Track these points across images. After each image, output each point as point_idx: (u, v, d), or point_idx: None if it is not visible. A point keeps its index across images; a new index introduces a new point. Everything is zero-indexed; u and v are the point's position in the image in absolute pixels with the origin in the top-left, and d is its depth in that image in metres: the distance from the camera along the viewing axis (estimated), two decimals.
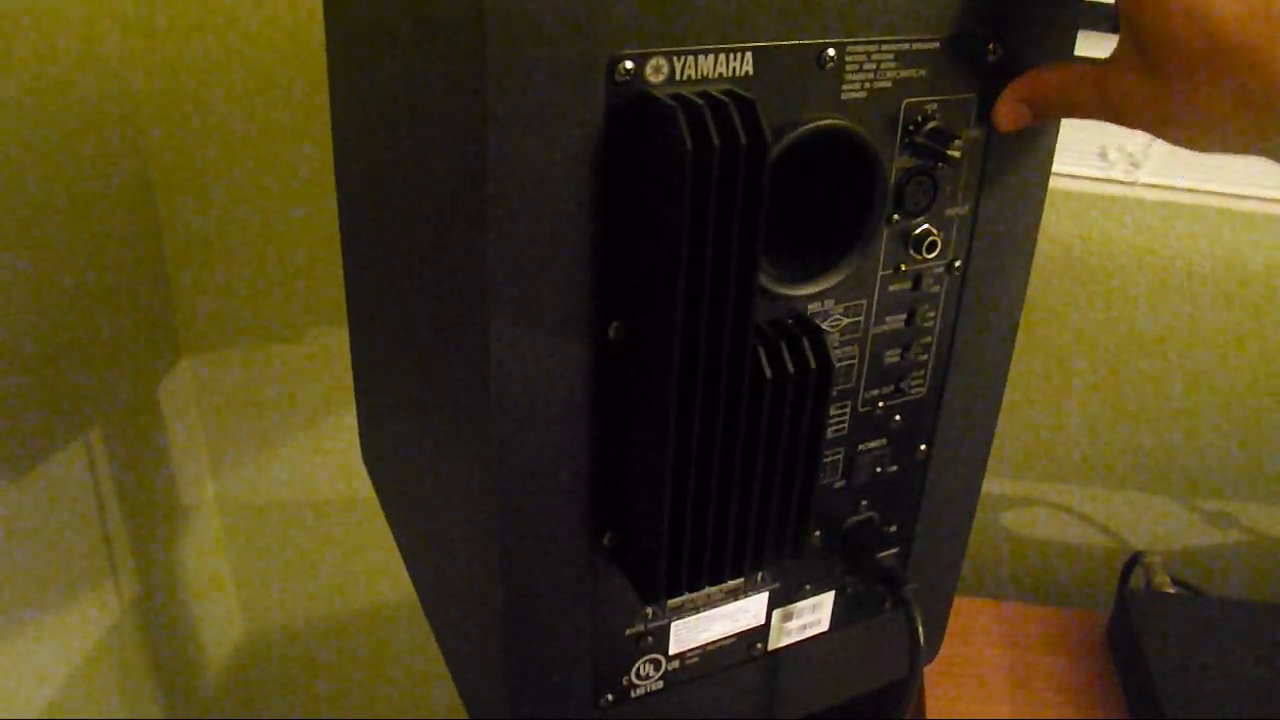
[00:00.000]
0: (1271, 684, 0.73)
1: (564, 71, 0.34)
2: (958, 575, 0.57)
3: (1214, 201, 0.81)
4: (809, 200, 0.43)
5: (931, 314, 0.47)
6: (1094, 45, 0.45)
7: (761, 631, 0.51)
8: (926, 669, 0.79)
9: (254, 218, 0.90)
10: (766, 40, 0.37)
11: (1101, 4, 0.63)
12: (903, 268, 0.45)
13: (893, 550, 0.53)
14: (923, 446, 0.50)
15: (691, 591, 0.43)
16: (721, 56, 0.36)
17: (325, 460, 1.03)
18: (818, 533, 0.50)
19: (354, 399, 0.74)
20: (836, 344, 0.45)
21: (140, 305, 0.89)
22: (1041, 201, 0.47)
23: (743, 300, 0.37)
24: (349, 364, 0.72)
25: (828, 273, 0.43)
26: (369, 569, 1.11)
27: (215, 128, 0.86)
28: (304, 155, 0.87)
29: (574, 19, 0.34)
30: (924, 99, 0.41)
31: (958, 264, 0.46)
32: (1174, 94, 0.35)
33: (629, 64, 0.35)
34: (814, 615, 0.53)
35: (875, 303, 0.45)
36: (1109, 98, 0.38)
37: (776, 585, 0.50)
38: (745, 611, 0.50)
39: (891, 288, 0.45)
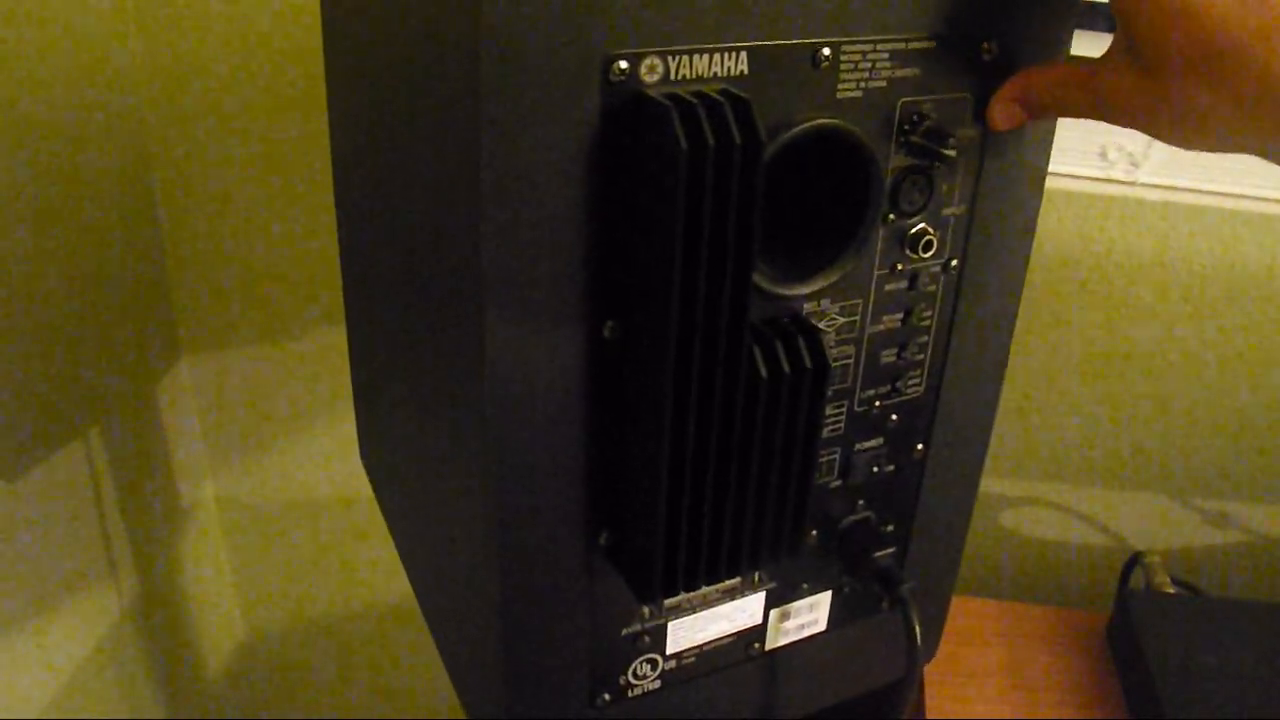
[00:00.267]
0: (1271, 684, 0.73)
1: (558, 72, 0.34)
2: (955, 575, 0.57)
3: (1214, 201, 0.81)
4: (804, 200, 0.43)
5: (928, 313, 0.47)
6: (1090, 44, 0.45)
7: (759, 631, 0.51)
8: (926, 669, 0.79)
9: (254, 219, 0.90)
10: (761, 40, 0.37)
11: (1097, 3, 0.63)
12: (899, 267, 0.45)
13: (890, 550, 0.52)
14: (919, 446, 0.50)
15: (688, 591, 0.43)
16: (716, 56, 0.36)
17: (325, 460, 1.03)
18: (814, 532, 0.50)
19: (352, 399, 0.74)
20: (833, 343, 0.45)
21: (140, 305, 0.89)
22: (1038, 200, 0.47)
23: (738, 300, 0.37)
24: (348, 364, 0.73)
25: (824, 272, 0.43)
26: (369, 569, 1.11)
27: (215, 129, 0.86)
28: (303, 156, 0.87)
29: (568, 19, 0.34)
30: (919, 98, 0.41)
31: (954, 263, 0.46)
32: (1167, 94, 0.35)
33: (623, 64, 0.35)
34: (811, 615, 0.53)
35: (871, 302, 0.45)
36: (1101, 97, 0.38)
37: (774, 585, 0.50)
38: (742, 611, 0.50)
39: (888, 287, 0.45)
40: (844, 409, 0.47)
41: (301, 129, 0.86)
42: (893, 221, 0.43)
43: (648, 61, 0.35)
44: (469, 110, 0.35)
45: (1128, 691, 0.78)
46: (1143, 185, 0.82)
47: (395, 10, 0.44)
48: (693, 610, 0.49)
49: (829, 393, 0.45)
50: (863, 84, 0.39)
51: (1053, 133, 0.46)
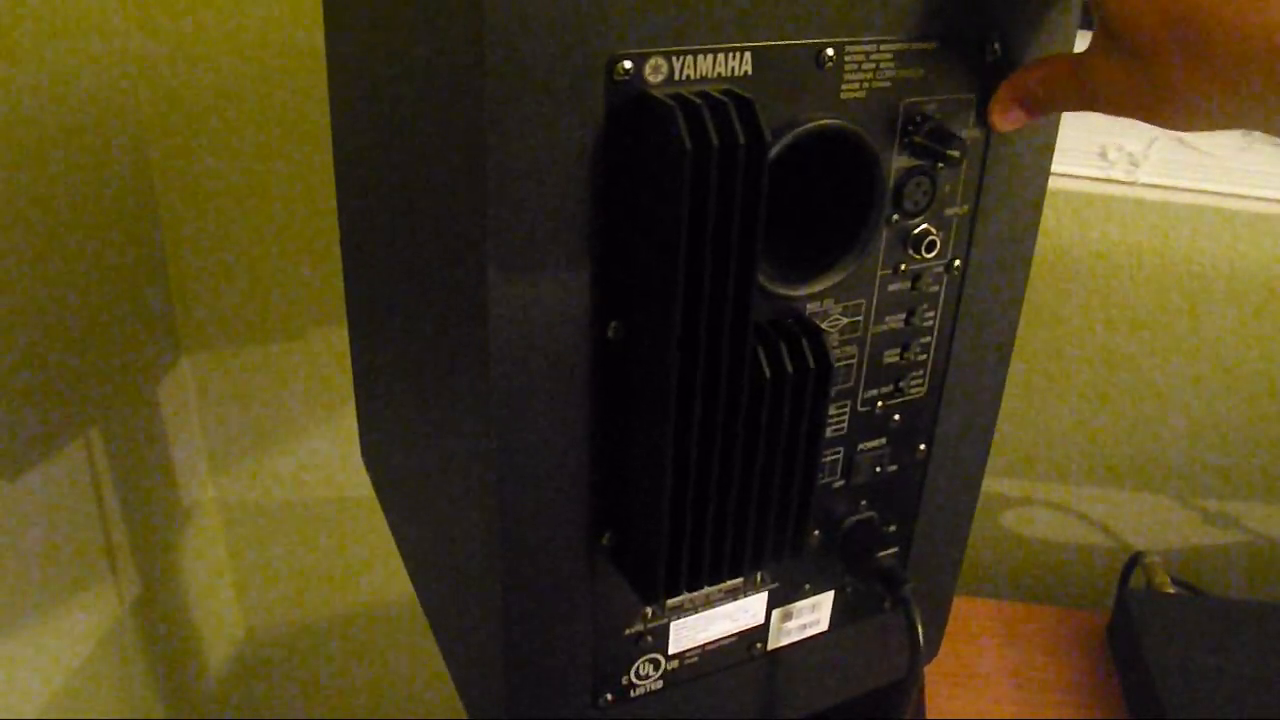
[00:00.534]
0: (1271, 684, 0.73)
1: (563, 72, 0.34)
2: (957, 575, 0.57)
3: (1214, 201, 0.81)
4: (808, 200, 0.43)
5: (931, 314, 0.47)
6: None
7: (761, 631, 0.51)
8: (926, 669, 0.79)
9: (254, 218, 0.90)
10: (765, 40, 0.37)
11: None
12: (902, 268, 0.45)
13: (892, 550, 0.53)
14: (922, 446, 0.50)
15: (691, 591, 0.43)
16: (720, 56, 0.36)
17: (325, 460, 1.03)
18: (817, 532, 0.50)
19: (354, 399, 0.74)
20: (836, 344, 0.45)
21: (140, 305, 0.89)
22: (1040, 201, 0.47)
23: (741, 300, 0.37)
24: (349, 364, 0.72)
25: (827, 273, 0.43)
26: (369, 569, 1.11)
27: (215, 128, 0.86)
28: (304, 155, 0.87)
29: (573, 19, 0.34)
30: (923, 99, 0.41)
31: (957, 264, 0.46)
32: (1147, 75, 0.35)
33: (628, 64, 0.35)
34: (813, 615, 0.53)
35: (874, 303, 0.45)
36: (1088, 87, 0.38)
37: (776, 585, 0.50)
38: (745, 611, 0.50)
39: (891, 288, 0.45)
40: (847, 409, 0.47)
41: (302, 129, 0.86)
42: (896, 222, 0.43)
43: (652, 62, 0.35)
44: (473, 110, 0.35)
45: (1128, 691, 0.78)
46: (1143, 185, 0.82)
47: (398, 9, 0.44)
48: (695, 610, 0.49)
49: (832, 393, 0.45)
50: (866, 84, 0.39)
51: (1055, 133, 0.46)
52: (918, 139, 0.41)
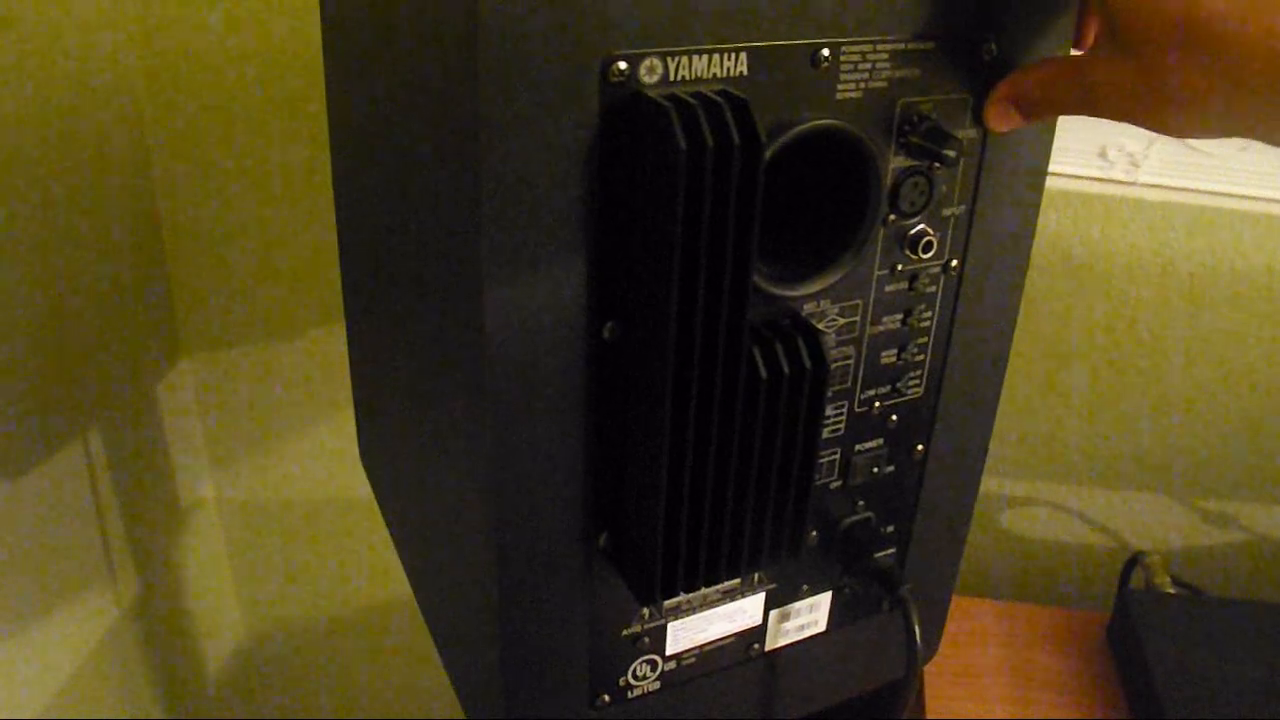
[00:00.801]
0: (1271, 684, 0.73)
1: (557, 72, 0.34)
2: (955, 575, 0.57)
3: (1214, 201, 0.81)
4: (804, 200, 0.43)
5: (928, 314, 0.47)
6: None
7: (759, 632, 0.51)
8: (926, 669, 0.79)
9: (254, 218, 0.90)
10: (761, 40, 0.37)
11: None
12: (899, 268, 0.44)
13: (890, 550, 0.52)
14: (919, 446, 0.50)
15: (688, 592, 0.43)
16: (715, 57, 0.36)
17: (325, 460, 1.03)
18: (814, 533, 0.50)
19: (352, 399, 0.74)
20: (833, 344, 0.45)
21: (140, 305, 0.89)
22: (1038, 201, 0.47)
23: (737, 301, 0.36)
24: (349, 364, 0.72)
25: (823, 273, 0.42)
26: (369, 569, 1.11)
27: (215, 128, 0.86)
28: (303, 156, 0.87)
29: (567, 20, 0.34)
30: (919, 99, 0.41)
31: (954, 264, 0.46)
32: (1154, 75, 0.35)
33: (623, 64, 0.35)
34: (811, 615, 0.53)
35: (871, 303, 0.45)
36: (1091, 89, 0.37)
37: (774, 586, 0.50)
38: (742, 612, 0.50)
39: (888, 288, 0.45)
40: (844, 410, 0.47)
41: (301, 129, 0.86)
42: (893, 222, 0.43)
43: (647, 62, 0.35)
44: (468, 111, 0.35)
45: (1128, 691, 0.78)
46: (1143, 185, 0.82)
47: (394, 9, 0.44)
48: (692, 611, 0.49)
49: (829, 393, 0.45)
50: (862, 84, 0.39)
51: (1053, 133, 0.46)
52: (914, 139, 0.41)
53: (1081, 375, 0.89)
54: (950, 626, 0.60)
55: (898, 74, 0.40)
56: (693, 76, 0.36)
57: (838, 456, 0.48)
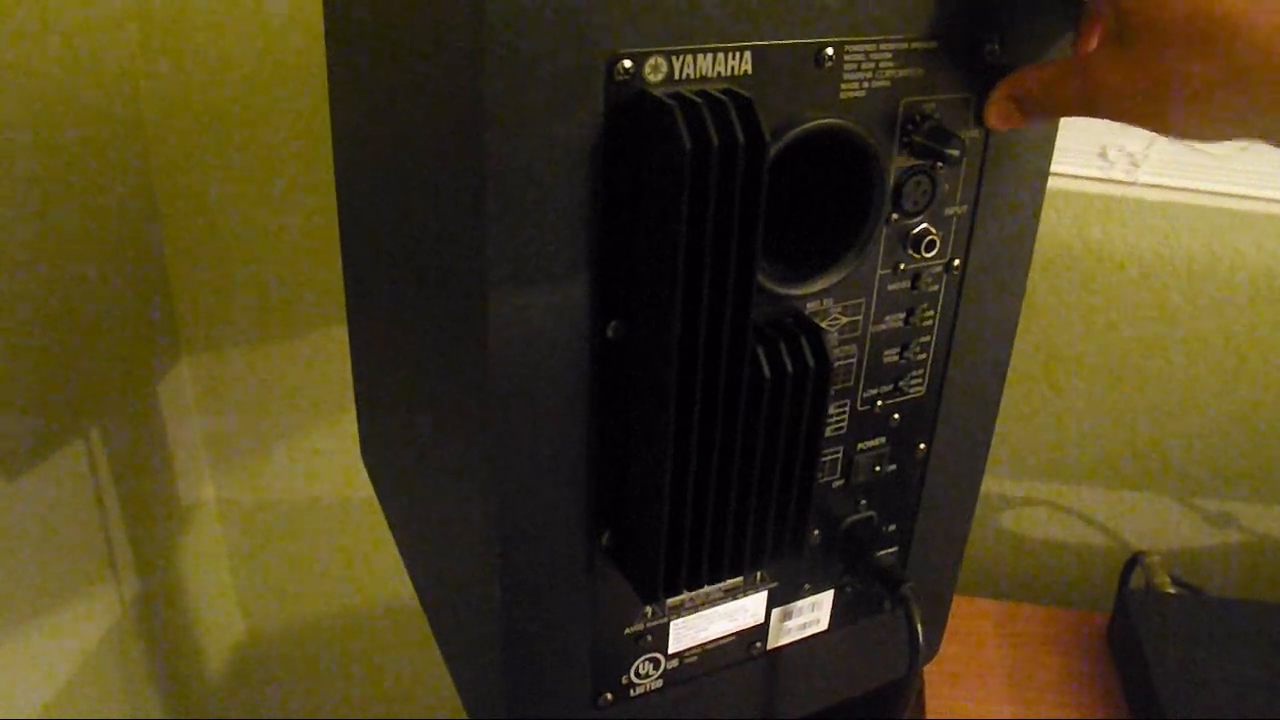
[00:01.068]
0: (1271, 684, 0.73)
1: (562, 71, 0.34)
2: (957, 574, 0.57)
3: (1214, 201, 0.81)
4: (808, 199, 0.43)
5: (930, 313, 0.47)
6: None
7: (761, 630, 0.51)
8: (926, 669, 0.79)
9: (254, 218, 0.90)
10: (765, 39, 0.37)
11: None
12: (901, 267, 0.45)
13: (891, 549, 0.53)
14: (921, 445, 0.50)
15: (690, 590, 0.43)
16: (720, 56, 0.36)
17: (325, 460, 1.03)
18: (816, 532, 0.50)
19: (354, 399, 0.74)
20: (835, 343, 0.45)
21: (140, 305, 0.89)
22: (1040, 201, 0.47)
23: (741, 299, 0.37)
24: (349, 364, 0.72)
25: (826, 272, 0.43)
26: (369, 569, 1.11)
27: (216, 128, 0.86)
28: (304, 155, 0.87)
29: (572, 18, 0.34)
30: (923, 98, 0.41)
31: (956, 263, 0.46)
32: (1160, 74, 0.35)
33: (628, 63, 0.35)
34: (813, 614, 0.53)
35: (874, 302, 0.45)
36: (1094, 89, 0.37)
37: (776, 584, 0.50)
38: (744, 610, 0.50)
39: (890, 287, 0.45)
40: (846, 408, 0.47)
41: (302, 129, 0.86)
42: (895, 221, 0.43)
43: (652, 61, 0.35)
44: (473, 110, 0.35)
45: (1128, 691, 0.78)
46: (1143, 185, 0.82)
47: (398, 9, 0.44)
48: (695, 609, 0.49)
49: (831, 392, 0.45)
50: (866, 84, 0.39)
51: (1055, 133, 0.46)
52: (917, 138, 0.41)
53: (1081, 375, 0.89)
54: (950, 626, 0.60)
55: (901, 73, 0.40)
56: (697, 75, 0.36)
57: (840, 455, 0.48)
